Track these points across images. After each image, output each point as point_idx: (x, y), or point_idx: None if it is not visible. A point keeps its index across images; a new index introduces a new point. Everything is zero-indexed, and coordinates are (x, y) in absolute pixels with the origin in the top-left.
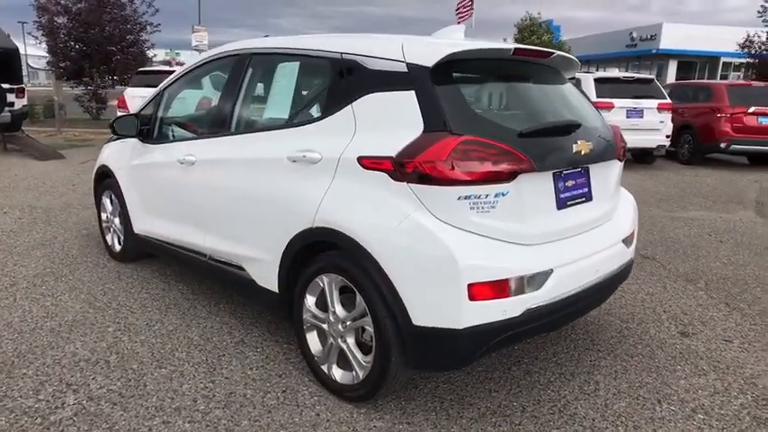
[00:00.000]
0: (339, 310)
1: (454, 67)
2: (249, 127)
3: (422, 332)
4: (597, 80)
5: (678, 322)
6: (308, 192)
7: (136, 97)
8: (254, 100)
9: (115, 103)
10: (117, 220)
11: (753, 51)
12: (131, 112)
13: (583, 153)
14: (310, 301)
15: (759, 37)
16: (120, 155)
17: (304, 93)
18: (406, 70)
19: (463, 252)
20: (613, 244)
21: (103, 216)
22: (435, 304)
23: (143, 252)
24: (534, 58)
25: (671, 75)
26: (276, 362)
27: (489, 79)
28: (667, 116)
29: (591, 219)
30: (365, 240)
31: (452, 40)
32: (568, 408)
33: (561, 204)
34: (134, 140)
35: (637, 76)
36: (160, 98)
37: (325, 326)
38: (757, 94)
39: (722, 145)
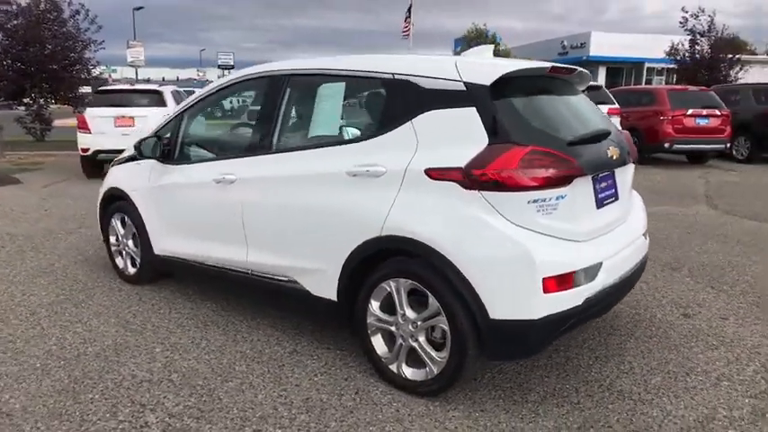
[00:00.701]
0: (409, 311)
1: (505, 85)
2: (296, 145)
3: (499, 325)
4: None
5: (678, 306)
6: (371, 203)
7: (97, 117)
8: (297, 119)
9: (72, 122)
10: (131, 243)
11: (678, 58)
12: (152, 134)
13: (614, 158)
14: (375, 305)
15: (683, 45)
16: (135, 177)
17: (354, 111)
18: (464, 89)
19: (537, 250)
20: (637, 238)
21: (112, 239)
22: (513, 299)
23: (161, 273)
24: (562, 75)
25: (601, 80)
26: (336, 367)
27: (530, 94)
28: (617, 120)
29: (618, 216)
30: (440, 245)
31: (495, 59)
32: (614, 385)
33: (599, 204)
34: (152, 162)
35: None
36: (180, 119)
37: (392, 328)
38: (693, 98)
39: (666, 145)
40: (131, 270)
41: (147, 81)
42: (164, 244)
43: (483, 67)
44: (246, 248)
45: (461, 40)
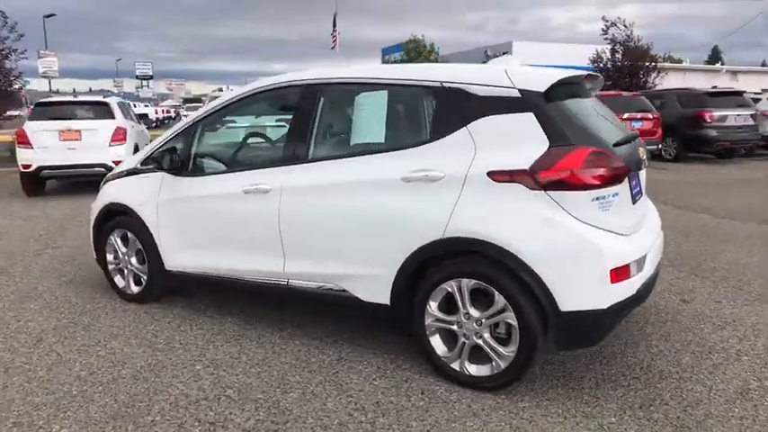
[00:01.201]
0: (472, 310)
1: (553, 91)
2: (338, 153)
3: (569, 316)
4: None
5: (674, 293)
6: (431, 207)
7: (39, 131)
8: (335, 127)
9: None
10: (134, 260)
11: (600, 65)
12: (167, 146)
13: (644, 158)
14: (433, 306)
15: (605, 53)
16: (141, 190)
17: (400, 119)
18: (519, 95)
19: (603, 244)
20: (658, 231)
21: (110, 257)
22: (583, 291)
23: (168, 291)
24: (591, 80)
25: None
26: (390, 370)
27: (571, 99)
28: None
29: (644, 212)
30: (509, 244)
31: (534, 68)
32: (653, 367)
33: (633, 201)
34: (161, 174)
35: None
36: (194, 130)
37: (453, 327)
38: (627, 102)
39: None
40: (135, 289)
41: (74, 93)
42: (178, 259)
43: (534, 75)
44: (283, 258)
45: (391, 49)
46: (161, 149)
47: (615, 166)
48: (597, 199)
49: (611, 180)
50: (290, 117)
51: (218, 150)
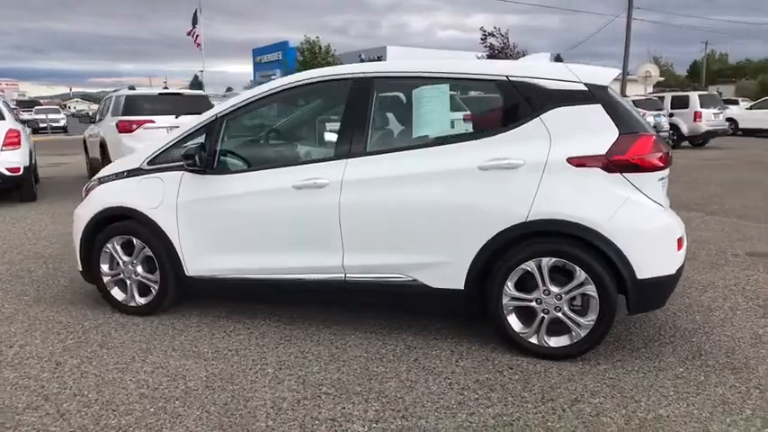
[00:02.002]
0: (552, 286)
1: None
2: (402, 145)
3: (645, 283)
4: None
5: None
6: (513, 193)
7: None
8: (393, 119)
9: None
10: (140, 269)
11: None
12: (186, 144)
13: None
14: (510, 286)
15: (484, 59)
16: (152, 192)
17: (464, 111)
18: (585, 89)
19: (670, 217)
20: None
21: (105, 268)
22: (658, 259)
23: (179, 299)
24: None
25: None
26: (467, 351)
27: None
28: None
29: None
30: (592, 222)
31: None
32: (678, 326)
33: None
34: (178, 174)
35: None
36: (219, 126)
37: (532, 303)
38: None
39: None
40: (140, 300)
41: None
42: (205, 263)
43: (596, 70)
44: (342, 252)
45: (263, 50)
46: (174, 148)
47: (667, 151)
48: (661, 179)
49: (667, 163)
50: (343, 110)
51: (250, 146)
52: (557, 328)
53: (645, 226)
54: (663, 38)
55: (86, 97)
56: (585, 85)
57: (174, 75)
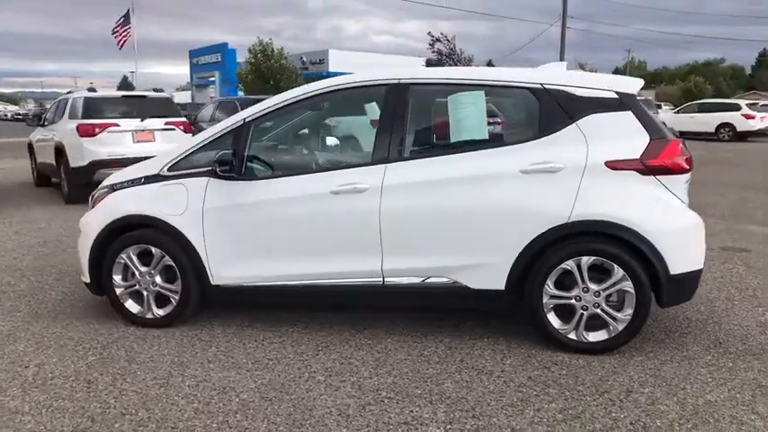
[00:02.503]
0: (591, 284)
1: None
2: (442, 149)
3: (676, 278)
4: None
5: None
6: (555, 195)
7: None
8: (430, 124)
9: None
10: (159, 279)
11: None
12: (213, 150)
13: None
14: (551, 285)
15: (434, 64)
16: (174, 199)
17: (501, 117)
18: (616, 96)
19: (697, 216)
20: None
21: (118, 279)
22: (689, 255)
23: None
24: None
25: None
26: (504, 350)
27: None
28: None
29: None
30: (631, 221)
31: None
32: (690, 317)
33: None
34: (203, 180)
35: None
36: (247, 131)
37: (572, 301)
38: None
39: None
40: (158, 312)
41: None
42: (234, 271)
43: (625, 80)
44: (381, 256)
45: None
46: (199, 153)
47: (690, 155)
48: (687, 182)
49: (691, 166)
50: (380, 115)
51: (278, 152)
52: (593, 323)
53: (676, 224)
54: (587, 45)
55: (1, 97)
56: (616, 93)
57: (97, 75)
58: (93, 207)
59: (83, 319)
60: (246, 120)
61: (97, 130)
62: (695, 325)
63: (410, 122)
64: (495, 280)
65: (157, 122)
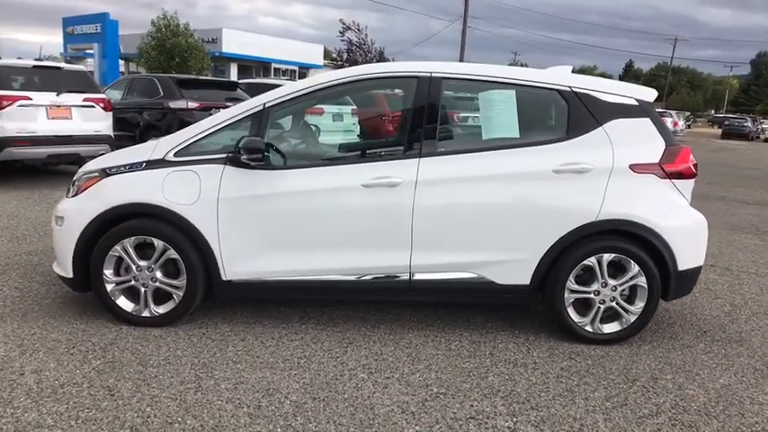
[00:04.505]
0: (609, 279)
1: None
2: (475, 146)
3: (683, 273)
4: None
5: None
6: (584, 194)
7: None
8: (461, 120)
9: None
10: (159, 273)
11: (338, 64)
12: (230, 135)
13: None
14: (572, 280)
15: (344, 53)
16: (184, 187)
17: (531, 116)
18: (636, 103)
19: (702, 216)
20: None
21: (109, 274)
22: (694, 252)
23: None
24: None
25: (233, 77)
26: (527, 343)
27: None
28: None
29: None
30: (650, 221)
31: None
32: (705, 308)
33: None
34: (218, 167)
35: None
36: (267, 117)
37: (590, 295)
38: (396, 100)
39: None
40: (157, 310)
41: None
42: (251, 265)
43: (642, 88)
44: (410, 251)
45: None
46: (207, 139)
47: (696, 162)
48: (691, 186)
49: (697, 172)
50: (411, 108)
51: (304, 142)
52: (607, 315)
53: (687, 224)
54: (474, 44)
55: None
56: (636, 100)
57: None
58: (76, 193)
59: (60, 318)
60: (266, 105)
61: (5, 102)
62: (676, 316)
63: (441, 116)
64: (522, 275)
65: (75, 98)
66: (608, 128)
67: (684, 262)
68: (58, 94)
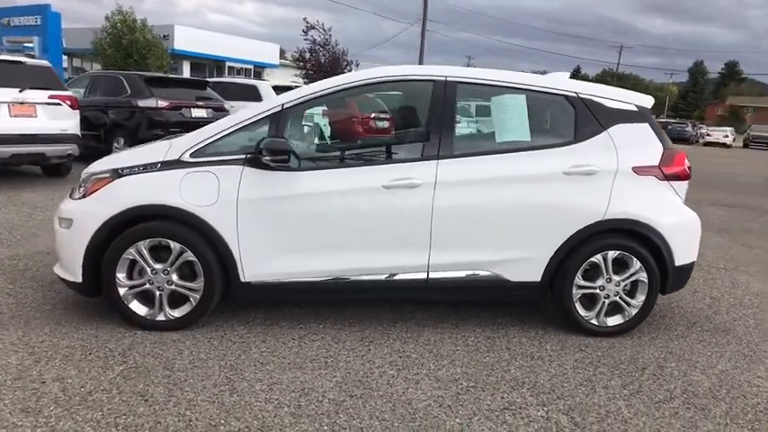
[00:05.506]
0: (614, 275)
1: None
2: (489, 149)
3: (679, 269)
4: (276, 87)
5: None
6: (592, 195)
7: None
8: (475, 123)
9: None
10: (175, 276)
11: (302, 64)
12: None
13: None
14: (580, 276)
15: (306, 53)
16: (203, 188)
17: (541, 120)
18: (636, 109)
19: (696, 215)
20: None
21: (122, 278)
22: (689, 249)
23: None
24: None
25: (186, 74)
26: (537, 337)
27: None
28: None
29: None
30: (652, 220)
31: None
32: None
33: None
34: (238, 168)
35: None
36: (285, 118)
37: (596, 291)
38: (369, 103)
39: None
40: (173, 313)
41: None
42: (272, 267)
43: (641, 95)
44: (428, 251)
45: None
46: (223, 140)
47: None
48: (686, 187)
49: (691, 174)
50: (428, 110)
51: (321, 143)
52: (609, 309)
53: (683, 222)
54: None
55: None
56: (636, 106)
57: None
58: (84, 195)
59: (66, 324)
60: (285, 106)
61: None
62: (665, 309)
63: (456, 119)
64: (533, 273)
65: (40, 95)
66: (612, 132)
67: (680, 258)
68: (20, 91)
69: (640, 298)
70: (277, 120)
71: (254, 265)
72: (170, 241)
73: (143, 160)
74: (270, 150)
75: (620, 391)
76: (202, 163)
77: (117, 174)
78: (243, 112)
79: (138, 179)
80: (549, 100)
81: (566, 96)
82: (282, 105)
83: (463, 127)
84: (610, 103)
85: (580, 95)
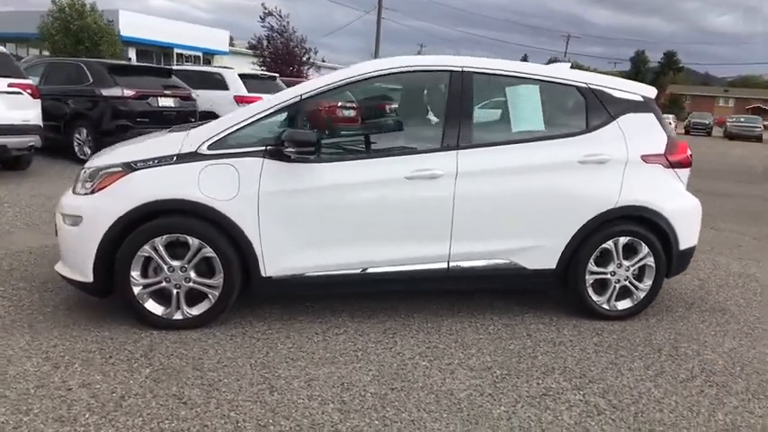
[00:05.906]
0: (624, 260)
1: None
2: (505, 139)
3: (682, 253)
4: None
5: None
6: (605, 183)
7: None
8: (489, 114)
9: None
10: (193, 273)
11: (258, 51)
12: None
13: None
14: (592, 262)
15: (264, 40)
16: (223, 181)
17: (554, 110)
18: (642, 99)
19: (698, 201)
20: None
21: (136, 276)
22: (692, 233)
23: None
24: None
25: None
26: (552, 323)
27: None
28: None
29: None
30: (660, 207)
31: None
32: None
33: None
34: (258, 160)
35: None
36: (303, 110)
37: (608, 276)
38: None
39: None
40: (191, 312)
41: None
42: (294, 260)
43: (644, 86)
44: (449, 241)
45: None
46: (249, 130)
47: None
48: (688, 173)
49: (692, 162)
50: (446, 101)
51: (341, 133)
52: (619, 293)
53: (687, 208)
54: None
55: None
56: (642, 96)
57: None
58: (93, 190)
59: (75, 326)
60: (303, 97)
61: None
62: (662, 291)
63: (474, 110)
64: (549, 260)
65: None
66: (621, 122)
67: (684, 242)
68: None
69: (648, 282)
70: (296, 110)
71: (276, 260)
72: (188, 237)
73: (156, 153)
74: (294, 142)
75: (645, 372)
76: (221, 155)
77: (130, 167)
78: (260, 103)
79: (154, 173)
80: (561, 90)
81: (577, 87)
82: (301, 96)
83: (480, 117)
84: (618, 93)
85: (590, 86)
